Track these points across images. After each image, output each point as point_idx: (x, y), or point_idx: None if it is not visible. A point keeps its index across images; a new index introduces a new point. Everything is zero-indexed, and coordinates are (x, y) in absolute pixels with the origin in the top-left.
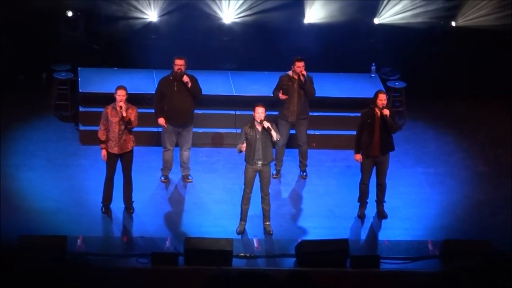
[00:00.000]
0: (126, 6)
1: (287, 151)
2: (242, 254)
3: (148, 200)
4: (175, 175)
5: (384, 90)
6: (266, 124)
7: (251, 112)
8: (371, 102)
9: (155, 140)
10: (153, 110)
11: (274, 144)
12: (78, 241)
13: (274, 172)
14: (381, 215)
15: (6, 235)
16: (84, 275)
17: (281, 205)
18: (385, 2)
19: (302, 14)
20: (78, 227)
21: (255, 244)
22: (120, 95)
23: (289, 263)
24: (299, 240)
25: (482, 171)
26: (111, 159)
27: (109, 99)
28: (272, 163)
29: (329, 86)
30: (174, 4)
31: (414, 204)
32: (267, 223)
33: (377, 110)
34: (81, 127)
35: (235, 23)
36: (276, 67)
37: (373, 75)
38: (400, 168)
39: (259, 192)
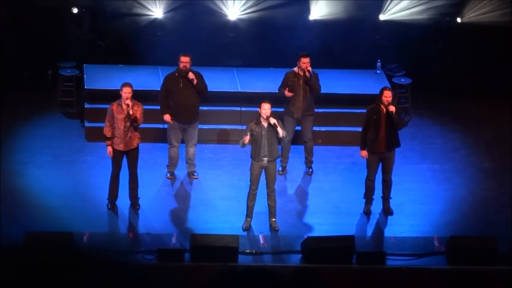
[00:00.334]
0: (131, 3)
1: (292, 147)
2: (248, 251)
3: (154, 197)
4: (180, 172)
5: (389, 87)
6: (273, 121)
7: (257, 109)
8: (376, 98)
9: (160, 136)
10: (158, 107)
11: (280, 140)
12: (84, 237)
13: (280, 168)
14: (387, 211)
15: (12, 231)
16: (90, 271)
17: (287, 202)
18: None
19: (307, 11)
20: (84, 223)
21: (261, 241)
22: (126, 92)
23: (295, 259)
24: (305, 237)
25: (487, 168)
26: (117, 155)
27: (115, 95)
28: (278, 160)
29: (334, 82)
30: (180, 1)
31: (420, 201)
32: (273, 219)
33: (383, 107)
34: (87, 124)
35: (240, 20)
36: (282, 64)
37: (378, 72)
38: (405, 164)
39: (265, 189)
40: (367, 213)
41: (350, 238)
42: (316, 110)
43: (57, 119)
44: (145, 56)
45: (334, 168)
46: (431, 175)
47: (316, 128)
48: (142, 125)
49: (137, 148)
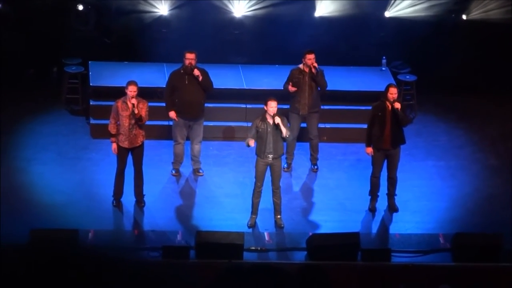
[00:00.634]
0: (137, 0)
1: (298, 144)
2: (253, 248)
3: (159, 194)
4: (186, 169)
5: (395, 84)
6: (277, 120)
7: (262, 106)
8: (382, 95)
9: (166, 133)
10: (164, 104)
11: (283, 139)
12: (90, 234)
13: (285, 165)
14: (392, 208)
15: (17, 228)
16: (95, 268)
17: (292, 199)
18: None
19: (312, 8)
20: (89, 220)
21: (266, 238)
22: (132, 91)
23: (300, 256)
24: (310, 234)
25: (493, 164)
26: (122, 153)
27: (120, 92)
28: (283, 157)
29: (339, 79)
30: None
31: (425, 197)
32: (278, 216)
33: (388, 104)
34: (92, 121)
35: (245, 17)
36: (287, 61)
37: (383, 69)
38: (411, 161)
39: (270, 186)
40: (372, 210)
41: (355, 235)
42: (321, 107)
43: (62, 116)
44: (150, 53)
45: (339, 165)
46: (436, 172)
47: (321, 125)
48: (147, 122)
49: (142, 145)
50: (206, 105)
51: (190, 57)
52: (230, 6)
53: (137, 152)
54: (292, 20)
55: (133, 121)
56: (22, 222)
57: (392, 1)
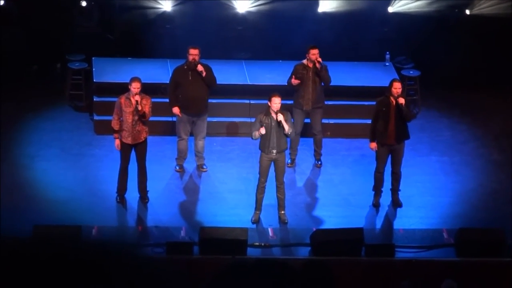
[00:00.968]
0: None
1: (301, 140)
2: (257, 243)
3: (162, 190)
4: (189, 165)
5: (399, 79)
6: (279, 118)
7: (266, 101)
8: (386, 90)
9: (169, 129)
10: (167, 100)
11: (286, 135)
12: (93, 230)
13: (289, 161)
14: (396, 203)
15: (20, 224)
16: (99, 264)
17: (296, 194)
18: None
19: (316, 3)
20: (92, 216)
21: (270, 233)
22: (135, 88)
23: (304, 252)
24: (314, 229)
25: (496, 160)
26: (125, 149)
27: (124, 88)
28: (287, 152)
29: (343, 75)
30: None
31: (429, 193)
32: (282, 212)
33: (392, 99)
34: (96, 117)
35: (249, 12)
36: (291, 56)
37: (387, 64)
38: (415, 156)
39: (274, 181)
40: (376, 205)
41: (359, 231)
42: (325, 102)
43: (66, 112)
44: (154, 49)
45: (343, 160)
46: (440, 167)
47: (325, 121)
48: (151, 118)
49: (145, 141)
50: (209, 101)
51: (193, 53)
52: (233, 2)
53: (141, 148)
54: (295, 16)
55: (136, 117)
56: (26, 218)
57: None
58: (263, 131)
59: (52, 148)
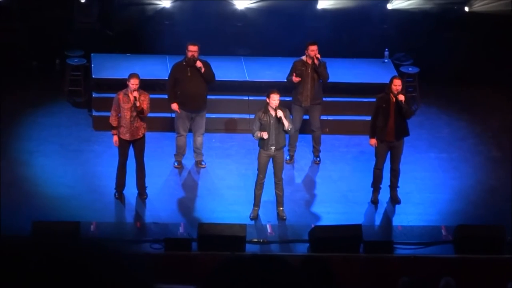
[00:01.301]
0: None
1: (300, 136)
2: (255, 240)
3: (161, 186)
4: (188, 161)
5: (399, 76)
6: (279, 114)
7: (264, 98)
8: (386, 87)
9: (168, 125)
10: (166, 96)
11: (285, 132)
12: (92, 227)
13: (288, 157)
14: (394, 200)
15: (19, 221)
16: (97, 260)
17: (295, 191)
18: None
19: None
20: (91, 213)
21: (269, 230)
22: (134, 84)
23: (303, 248)
24: (313, 226)
25: (495, 156)
26: (123, 145)
27: (122, 85)
28: (286, 149)
29: (342, 71)
30: None
31: (428, 189)
32: (281, 208)
33: (392, 96)
34: (94, 113)
35: (248, 9)
36: (290, 53)
37: (386, 61)
38: (413, 153)
39: (273, 178)
40: (374, 202)
41: (357, 227)
42: (324, 99)
43: (65, 108)
44: (152, 45)
45: (341, 157)
46: (438, 164)
47: (323, 117)
48: (149, 114)
49: (143, 137)
50: (208, 97)
51: (192, 49)
52: None
53: (139, 145)
54: (294, 12)
55: (134, 114)
56: (24, 214)
57: None
58: (265, 136)
59: (51, 144)
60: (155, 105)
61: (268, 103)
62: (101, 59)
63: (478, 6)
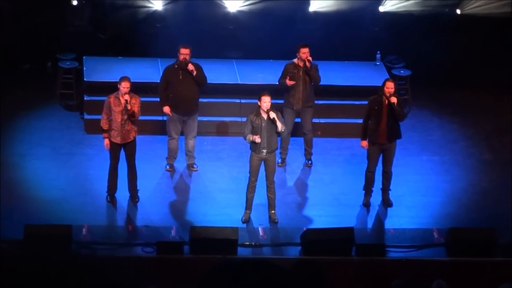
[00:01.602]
0: None
1: (292, 139)
2: (247, 243)
3: (153, 189)
4: (180, 164)
5: (391, 78)
6: (272, 115)
7: (256, 101)
8: (379, 89)
9: (160, 128)
10: (158, 99)
11: (278, 134)
12: (83, 230)
13: (279, 160)
14: (386, 203)
15: (11, 224)
16: (89, 264)
17: (287, 194)
18: None
19: (307, 2)
20: (83, 216)
21: (261, 233)
22: (125, 87)
23: (295, 251)
24: (305, 229)
25: (487, 159)
26: (114, 148)
27: (114, 88)
28: (277, 152)
29: (334, 74)
30: None
31: (420, 192)
32: (273, 211)
33: (385, 98)
34: (86, 116)
35: (240, 11)
36: (282, 56)
37: (378, 63)
38: (405, 156)
39: (265, 181)
40: (366, 205)
41: (349, 230)
42: (315, 102)
43: (57, 111)
44: (144, 48)
45: (333, 160)
46: (430, 166)
47: (315, 120)
48: (141, 117)
49: (134, 140)
50: (200, 100)
51: (184, 52)
52: (224, 1)
53: (130, 148)
54: (286, 15)
55: (125, 117)
56: (16, 218)
57: None
58: (257, 140)
59: (43, 147)
60: (147, 108)
61: (259, 106)
62: (93, 62)
63: (470, 9)
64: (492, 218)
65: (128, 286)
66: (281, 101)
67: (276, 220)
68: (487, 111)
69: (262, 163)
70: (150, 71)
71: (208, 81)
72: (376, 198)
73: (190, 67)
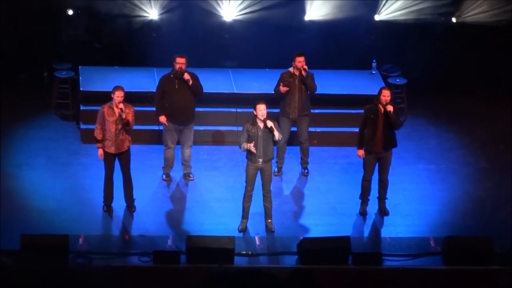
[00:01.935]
0: (127, 4)
1: (288, 148)
2: (244, 252)
3: (149, 199)
4: (176, 173)
5: (387, 87)
6: (270, 124)
7: (252, 110)
8: (375, 98)
9: (156, 138)
10: (154, 108)
11: (275, 143)
12: (80, 240)
13: (276, 169)
14: (382, 212)
15: (7, 234)
16: (86, 273)
17: (283, 203)
18: None
19: (302, 11)
20: (79, 226)
21: (257, 242)
22: (119, 96)
23: (291, 260)
24: (301, 238)
25: (483, 167)
26: (108, 158)
27: (110, 97)
28: (274, 161)
29: (330, 83)
30: (175, 2)
31: (416, 201)
32: (269, 220)
33: (381, 106)
34: (82, 126)
35: (236, 21)
36: (277, 65)
37: (374, 72)
38: (401, 164)
39: (261, 190)
40: (363, 213)
41: (346, 239)
42: (311, 110)
43: (53, 121)
44: (140, 57)
45: (330, 168)
46: (426, 175)
47: (311, 129)
48: (137, 127)
49: (128, 150)
50: (196, 109)
51: (180, 62)
52: (220, 10)
53: (124, 157)
54: (282, 24)
55: (119, 126)
56: (13, 228)
57: (382, 5)
58: (252, 149)
59: (39, 156)
60: (143, 117)
61: (256, 116)
62: (89, 72)
63: (465, 17)
64: (489, 227)
65: None
66: (277, 110)
67: (273, 229)
68: (483, 119)
69: (259, 172)
70: (146, 80)
71: (204, 90)
72: (372, 207)
73: (186, 76)
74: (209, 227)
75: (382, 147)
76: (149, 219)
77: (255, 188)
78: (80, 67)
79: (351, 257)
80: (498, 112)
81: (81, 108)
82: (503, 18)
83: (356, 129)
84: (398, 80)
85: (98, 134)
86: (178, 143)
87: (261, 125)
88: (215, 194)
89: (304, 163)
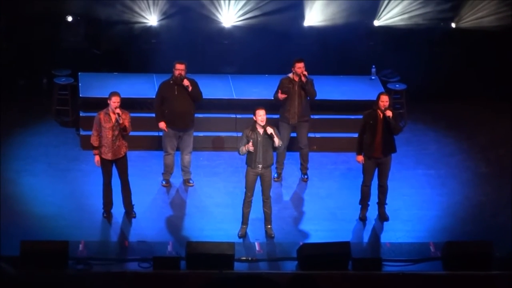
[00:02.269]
0: (126, 11)
1: (288, 154)
2: (244, 258)
3: (149, 205)
4: (176, 179)
5: (385, 92)
6: (270, 130)
7: (252, 116)
8: (373, 103)
9: (156, 144)
10: (153, 115)
11: (275, 149)
12: (80, 246)
13: (275, 175)
14: (382, 217)
15: (7, 240)
16: (86, 279)
17: (283, 208)
18: (384, 4)
19: (302, 17)
20: (79, 232)
21: (257, 248)
22: (115, 102)
23: (291, 266)
24: (301, 243)
25: (483, 172)
26: (105, 165)
27: None
28: (273, 166)
29: (329, 88)
30: (174, 8)
31: (416, 206)
32: (269, 226)
33: (380, 112)
34: (82, 132)
35: (235, 27)
36: (277, 70)
37: (373, 77)
38: (401, 170)
39: (261, 196)
40: (362, 219)
41: (346, 244)
42: (311, 116)
43: (53, 127)
44: (140, 63)
45: (329, 174)
46: (426, 180)
47: (311, 135)
48: (137, 133)
49: (125, 156)
50: (196, 115)
51: (180, 68)
52: (219, 16)
53: (121, 163)
54: (281, 30)
55: (116, 133)
56: (13, 234)
57: (381, 10)
58: (251, 148)
59: (39, 163)
60: (142, 123)
61: (255, 122)
62: (89, 78)
63: (464, 23)
64: (489, 231)
65: None
66: (277, 116)
67: (273, 235)
68: (482, 124)
69: (258, 178)
70: (146, 86)
71: (204, 97)
72: (372, 212)
73: (186, 82)
74: (209, 233)
75: (381, 152)
76: (149, 225)
77: (255, 194)
78: (79, 73)
79: (351, 263)
80: (497, 118)
81: (80, 115)
82: (502, 23)
83: (356, 135)
84: (397, 85)
85: (94, 141)
86: (177, 149)
87: (260, 130)
88: (215, 200)
89: (303, 169)
